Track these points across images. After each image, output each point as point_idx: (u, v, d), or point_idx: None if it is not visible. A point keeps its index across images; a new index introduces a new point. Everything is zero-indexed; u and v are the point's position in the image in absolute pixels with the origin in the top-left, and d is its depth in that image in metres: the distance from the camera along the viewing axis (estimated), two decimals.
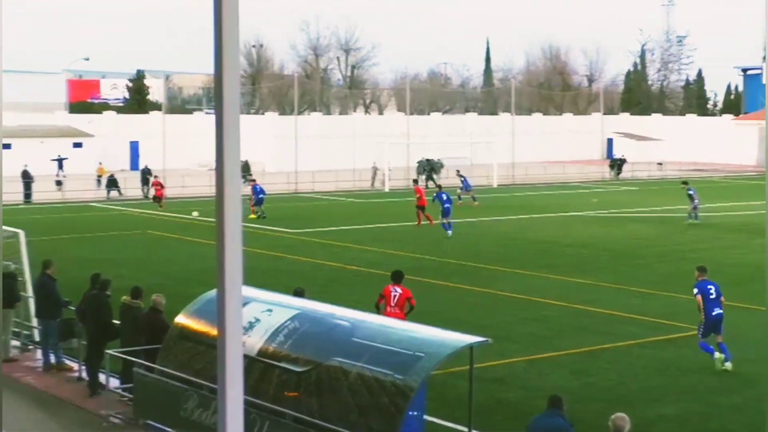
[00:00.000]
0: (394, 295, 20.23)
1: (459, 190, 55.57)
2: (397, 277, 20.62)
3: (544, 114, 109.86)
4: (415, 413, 13.66)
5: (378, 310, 19.86)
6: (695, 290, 20.73)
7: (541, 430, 12.63)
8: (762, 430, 15.35)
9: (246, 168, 73.70)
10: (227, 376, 7.50)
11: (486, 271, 32.71)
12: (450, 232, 41.11)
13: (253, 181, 52.24)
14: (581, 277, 31.68)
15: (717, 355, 20.18)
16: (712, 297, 20.51)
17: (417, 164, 75.60)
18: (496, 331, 21.49)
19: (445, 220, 41.64)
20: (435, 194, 43.53)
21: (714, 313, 20.32)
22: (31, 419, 17.23)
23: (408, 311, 19.99)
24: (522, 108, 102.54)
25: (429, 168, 75.69)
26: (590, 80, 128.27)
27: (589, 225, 46.14)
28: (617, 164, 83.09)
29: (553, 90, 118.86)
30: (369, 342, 14.24)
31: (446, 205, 41.89)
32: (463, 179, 57.57)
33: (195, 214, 49.10)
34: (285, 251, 36.61)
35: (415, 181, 53.46)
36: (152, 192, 57.43)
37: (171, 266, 32.54)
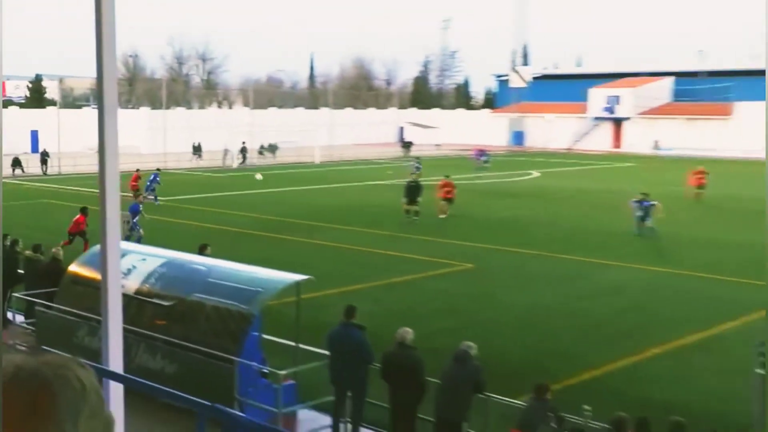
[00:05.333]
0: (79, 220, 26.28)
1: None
2: (84, 210, 26.42)
3: (354, 108, 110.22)
4: (255, 333, 13.67)
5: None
6: None
7: (338, 339, 12.38)
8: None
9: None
10: (109, 309, 7.36)
11: (310, 227, 32.66)
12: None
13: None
14: (381, 229, 32.02)
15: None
16: None
17: (260, 147, 74.79)
18: (318, 271, 21.56)
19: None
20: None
21: None
22: None
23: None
24: (338, 104, 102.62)
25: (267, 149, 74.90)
26: (388, 83, 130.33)
27: (385, 191, 46.15)
28: (407, 145, 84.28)
29: (360, 90, 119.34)
30: (221, 281, 14.15)
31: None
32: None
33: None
34: (157, 214, 35.59)
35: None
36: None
37: (61, 227, 31.24)
